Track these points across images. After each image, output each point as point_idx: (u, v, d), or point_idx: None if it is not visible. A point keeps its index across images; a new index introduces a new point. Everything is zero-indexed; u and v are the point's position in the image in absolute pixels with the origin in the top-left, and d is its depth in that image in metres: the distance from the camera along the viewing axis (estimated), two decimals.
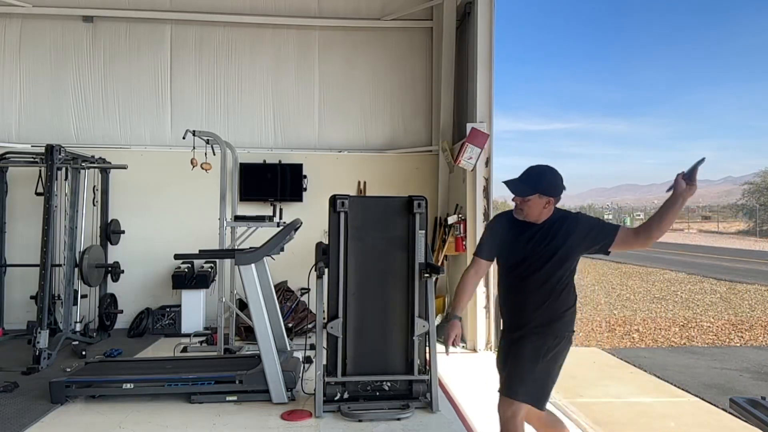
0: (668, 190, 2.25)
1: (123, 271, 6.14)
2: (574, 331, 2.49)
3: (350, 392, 3.76)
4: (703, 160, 2.23)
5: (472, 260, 2.63)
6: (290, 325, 5.76)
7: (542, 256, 2.40)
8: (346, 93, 6.99)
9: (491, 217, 5.56)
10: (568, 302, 2.45)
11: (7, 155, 6.02)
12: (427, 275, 3.76)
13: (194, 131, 5.19)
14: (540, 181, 2.38)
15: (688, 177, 2.19)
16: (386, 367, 3.70)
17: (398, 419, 3.49)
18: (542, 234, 2.41)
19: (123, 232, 6.48)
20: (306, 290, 6.05)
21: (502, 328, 2.63)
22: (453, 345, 2.50)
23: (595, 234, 2.37)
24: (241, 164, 6.51)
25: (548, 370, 2.40)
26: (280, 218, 5.50)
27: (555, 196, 2.40)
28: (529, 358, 2.39)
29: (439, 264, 5.79)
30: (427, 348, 3.74)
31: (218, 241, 5.31)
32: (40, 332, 4.73)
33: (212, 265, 6.40)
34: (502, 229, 2.54)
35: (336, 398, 3.73)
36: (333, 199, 3.77)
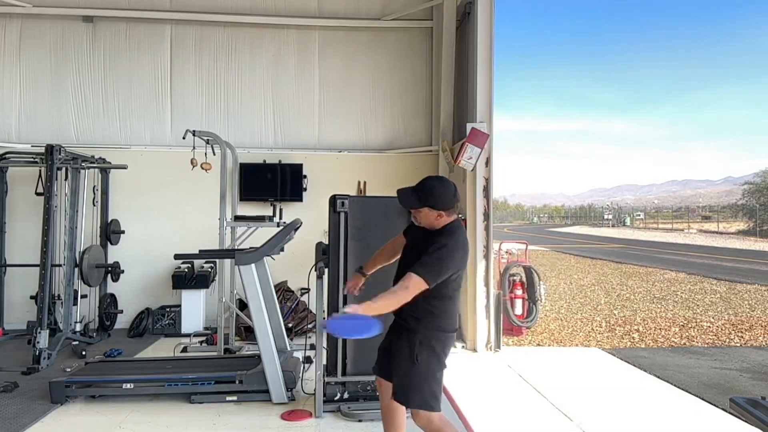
0: None
1: (123, 271, 6.15)
2: (442, 331, 2.44)
3: (350, 392, 3.77)
4: None
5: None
6: (290, 325, 5.77)
7: (412, 258, 2.39)
8: (346, 93, 7.00)
9: (491, 217, 5.57)
10: (429, 308, 2.39)
11: (7, 155, 6.03)
12: None
13: (194, 131, 5.20)
14: (429, 195, 2.36)
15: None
16: None
17: None
18: (422, 239, 2.43)
19: (123, 232, 6.49)
20: (306, 290, 6.06)
21: None
22: (352, 293, 2.82)
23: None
24: (241, 164, 6.51)
25: (424, 373, 2.40)
26: (280, 218, 5.50)
27: (445, 209, 2.38)
28: (404, 362, 2.44)
29: None
30: None
31: (218, 241, 5.31)
32: (40, 332, 4.73)
33: (212, 265, 6.40)
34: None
35: (336, 398, 3.74)
36: (333, 199, 3.77)
